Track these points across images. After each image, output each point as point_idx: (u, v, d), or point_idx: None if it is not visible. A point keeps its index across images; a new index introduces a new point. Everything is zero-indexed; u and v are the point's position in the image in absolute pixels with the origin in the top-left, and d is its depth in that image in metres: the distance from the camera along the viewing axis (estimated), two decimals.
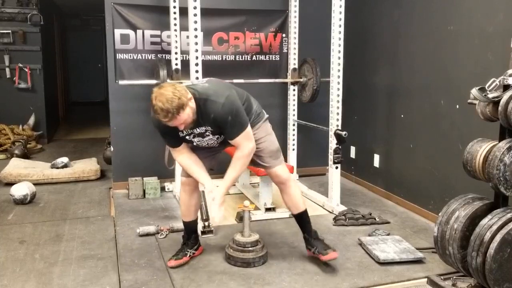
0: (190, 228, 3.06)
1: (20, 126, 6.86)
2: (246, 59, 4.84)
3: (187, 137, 2.73)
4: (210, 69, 4.33)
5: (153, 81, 4.24)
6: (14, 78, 6.97)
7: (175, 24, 4.29)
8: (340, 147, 3.88)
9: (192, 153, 2.83)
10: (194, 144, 2.78)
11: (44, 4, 7.29)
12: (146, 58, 4.53)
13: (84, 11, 11.09)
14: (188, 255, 2.95)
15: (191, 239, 3.02)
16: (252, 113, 2.82)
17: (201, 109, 2.58)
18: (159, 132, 2.75)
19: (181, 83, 4.18)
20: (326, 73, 4.12)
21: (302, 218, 3.00)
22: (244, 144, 2.70)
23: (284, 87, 4.89)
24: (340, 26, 3.76)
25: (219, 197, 2.71)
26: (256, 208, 3.74)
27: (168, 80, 4.12)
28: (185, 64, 4.10)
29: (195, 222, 3.07)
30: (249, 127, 2.70)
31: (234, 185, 4.41)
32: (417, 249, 3.10)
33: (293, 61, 4.77)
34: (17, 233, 3.51)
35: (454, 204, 2.63)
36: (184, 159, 2.81)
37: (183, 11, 3.93)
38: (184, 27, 4.09)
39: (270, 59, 4.92)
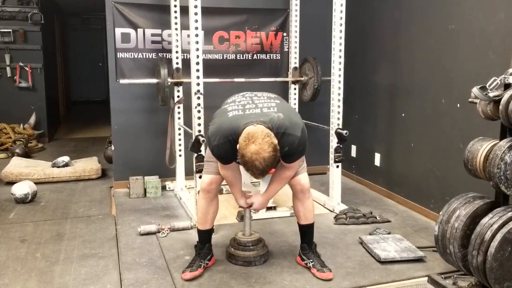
0: (205, 237, 2.94)
1: (21, 125, 6.87)
2: (247, 58, 4.83)
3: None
4: (211, 68, 4.34)
5: (154, 80, 4.25)
6: (15, 77, 6.98)
7: (175, 23, 4.28)
8: (341, 146, 3.88)
9: (238, 169, 2.79)
10: None
11: (45, 3, 7.29)
12: (147, 57, 4.53)
13: (84, 10, 11.10)
14: (202, 266, 2.81)
15: (204, 249, 2.90)
16: None
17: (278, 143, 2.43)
18: (217, 156, 2.61)
19: (182, 82, 4.25)
20: (327, 72, 4.12)
21: (308, 229, 2.96)
22: (295, 166, 2.70)
23: (285, 86, 4.89)
24: (341, 25, 3.76)
25: (258, 205, 2.86)
26: None
27: (169, 79, 4.13)
28: (186, 63, 4.10)
29: (211, 231, 2.98)
30: None
31: None
32: (418, 248, 3.11)
33: (294, 60, 4.76)
34: (18, 232, 3.51)
35: (454, 203, 2.63)
36: (230, 175, 2.76)
37: (184, 10, 3.93)
38: (185, 26, 4.09)
39: (271, 58, 4.92)
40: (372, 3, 4.61)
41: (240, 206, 2.97)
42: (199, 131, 3.36)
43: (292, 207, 3.10)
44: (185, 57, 4.33)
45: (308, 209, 2.91)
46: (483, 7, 3.27)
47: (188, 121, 4.04)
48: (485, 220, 2.42)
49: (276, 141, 2.37)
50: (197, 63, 3.33)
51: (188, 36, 3.68)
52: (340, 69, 3.85)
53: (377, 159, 4.60)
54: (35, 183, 4.48)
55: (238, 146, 2.40)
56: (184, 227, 3.51)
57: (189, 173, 4.20)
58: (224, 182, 2.89)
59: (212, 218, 2.93)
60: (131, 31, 4.46)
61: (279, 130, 2.46)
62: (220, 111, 2.66)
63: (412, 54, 4.04)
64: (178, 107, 4.37)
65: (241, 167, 2.58)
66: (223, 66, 4.71)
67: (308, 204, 2.90)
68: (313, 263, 2.85)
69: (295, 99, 4.82)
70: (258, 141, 2.31)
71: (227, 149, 2.50)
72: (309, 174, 2.92)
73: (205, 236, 2.95)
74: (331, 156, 3.95)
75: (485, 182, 2.53)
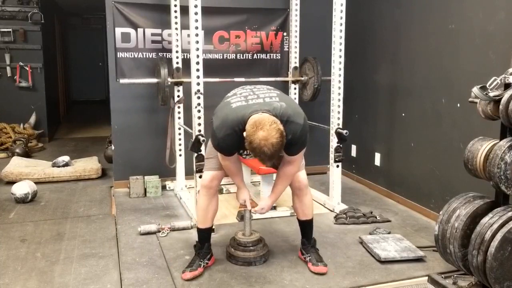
0: (204, 236, 2.94)
1: (21, 125, 6.87)
2: (247, 57, 4.83)
3: (243, 155, 2.72)
4: (211, 68, 4.34)
5: (154, 80, 4.25)
6: (15, 77, 6.98)
7: (176, 23, 4.29)
8: (341, 145, 3.89)
9: (239, 160, 2.81)
10: (243, 156, 2.78)
11: (45, 3, 7.29)
12: (147, 56, 4.53)
13: (85, 10, 11.09)
14: (202, 266, 2.82)
15: (204, 248, 2.90)
16: None
17: None
18: (222, 149, 2.62)
19: (182, 82, 4.25)
20: (327, 71, 4.12)
21: (308, 225, 3.00)
22: (298, 160, 2.71)
23: (285, 85, 4.89)
24: (341, 24, 3.76)
25: (267, 208, 2.87)
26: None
27: (169, 79, 4.13)
28: (186, 62, 4.11)
29: (210, 230, 2.99)
30: None
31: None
32: (418, 247, 3.11)
33: (294, 60, 4.76)
34: (19, 232, 3.51)
35: (455, 203, 2.63)
36: (232, 166, 2.76)
37: (184, 10, 3.93)
38: (185, 26, 4.09)
39: (271, 57, 4.92)
40: (372, 3, 4.61)
41: (241, 206, 2.97)
42: (199, 130, 3.37)
43: (292, 207, 3.12)
44: (185, 57, 4.34)
45: (306, 206, 2.94)
46: (483, 7, 3.27)
47: (188, 121, 4.04)
48: (485, 219, 2.42)
49: (282, 128, 2.39)
50: (197, 63, 3.33)
51: (188, 36, 3.68)
52: (340, 69, 3.85)
53: (377, 159, 4.60)
54: (35, 182, 4.48)
55: (245, 133, 2.41)
56: (184, 227, 3.51)
57: (189, 173, 4.21)
58: (222, 182, 2.90)
59: (212, 217, 2.94)
60: (131, 30, 4.46)
61: (282, 118, 2.48)
62: (223, 104, 2.68)
63: (412, 53, 4.04)
64: (178, 107, 4.37)
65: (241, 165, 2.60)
66: (223, 66, 4.71)
67: (306, 201, 2.93)
68: (310, 257, 2.89)
69: (295, 98, 4.80)
70: (265, 128, 2.33)
71: (233, 140, 2.52)
72: (309, 174, 2.93)
73: (205, 235, 2.95)
74: (331, 155, 3.95)
75: (485, 182, 2.53)
